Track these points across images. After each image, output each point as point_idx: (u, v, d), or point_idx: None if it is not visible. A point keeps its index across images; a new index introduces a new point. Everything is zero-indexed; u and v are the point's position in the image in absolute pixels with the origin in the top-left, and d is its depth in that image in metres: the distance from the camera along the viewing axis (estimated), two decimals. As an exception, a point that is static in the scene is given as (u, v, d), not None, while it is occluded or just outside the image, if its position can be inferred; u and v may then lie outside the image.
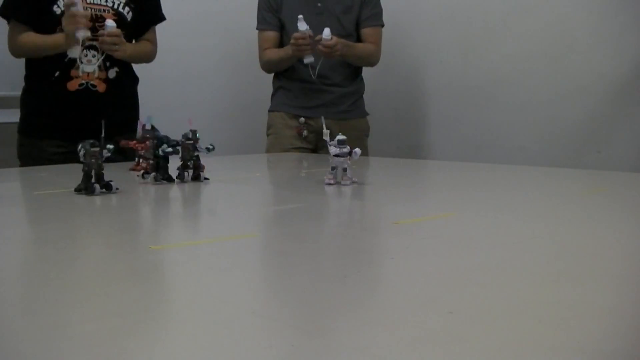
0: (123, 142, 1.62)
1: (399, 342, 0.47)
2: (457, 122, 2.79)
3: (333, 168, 1.33)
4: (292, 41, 2.29)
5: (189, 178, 1.40)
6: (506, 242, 0.83)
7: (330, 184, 1.32)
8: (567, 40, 2.40)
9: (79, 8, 1.91)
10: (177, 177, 1.40)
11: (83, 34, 1.91)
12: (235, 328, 0.51)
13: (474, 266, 0.70)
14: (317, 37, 2.26)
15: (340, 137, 1.32)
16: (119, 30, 2.00)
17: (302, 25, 2.25)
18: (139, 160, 1.61)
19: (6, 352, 0.46)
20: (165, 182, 1.38)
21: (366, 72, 2.60)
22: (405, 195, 1.36)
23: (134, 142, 1.54)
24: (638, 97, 2.25)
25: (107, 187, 1.22)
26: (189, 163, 1.40)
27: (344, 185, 1.32)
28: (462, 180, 1.59)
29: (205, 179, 1.41)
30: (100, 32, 1.98)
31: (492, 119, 2.65)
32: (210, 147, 1.40)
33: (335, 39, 2.26)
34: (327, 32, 2.25)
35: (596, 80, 2.33)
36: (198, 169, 1.40)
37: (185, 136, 1.40)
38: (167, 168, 1.39)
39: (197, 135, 1.40)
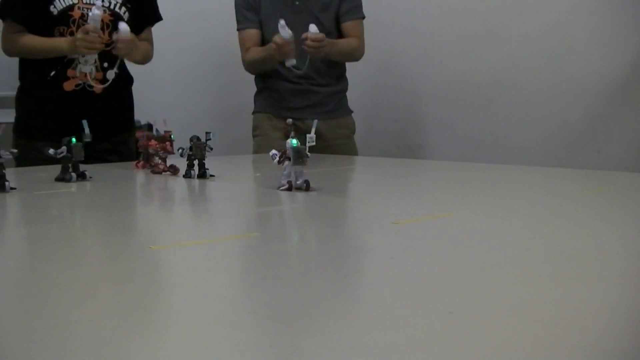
0: (142, 142, 1.63)
1: (399, 342, 0.47)
2: (457, 122, 2.79)
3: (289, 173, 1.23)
4: (273, 45, 2.25)
5: (195, 175, 1.46)
6: (506, 242, 0.83)
7: (282, 189, 1.23)
8: (567, 40, 2.40)
9: (97, 25, 1.93)
10: (183, 176, 1.48)
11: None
12: (235, 328, 0.51)
13: (473, 266, 0.70)
14: (304, 36, 2.23)
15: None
16: (133, 35, 2.00)
17: (285, 33, 2.18)
18: (146, 159, 1.62)
19: (6, 352, 0.46)
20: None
21: (366, 71, 2.60)
22: (404, 195, 1.36)
23: (154, 141, 1.58)
24: (638, 97, 2.25)
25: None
26: (194, 162, 1.46)
27: (296, 189, 1.22)
28: (462, 180, 1.59)
29: (211, 175, 1.46)
30: (115, 36, 1.99)
31: (492, 119, 2.65)
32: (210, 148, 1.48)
33: (322, 34, 2.24)
34: (313, 28, 2.23)
35: (596, 80, 2.33)
36: (203, 166, 1.46)
37: (194, 137, 1.46)
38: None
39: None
